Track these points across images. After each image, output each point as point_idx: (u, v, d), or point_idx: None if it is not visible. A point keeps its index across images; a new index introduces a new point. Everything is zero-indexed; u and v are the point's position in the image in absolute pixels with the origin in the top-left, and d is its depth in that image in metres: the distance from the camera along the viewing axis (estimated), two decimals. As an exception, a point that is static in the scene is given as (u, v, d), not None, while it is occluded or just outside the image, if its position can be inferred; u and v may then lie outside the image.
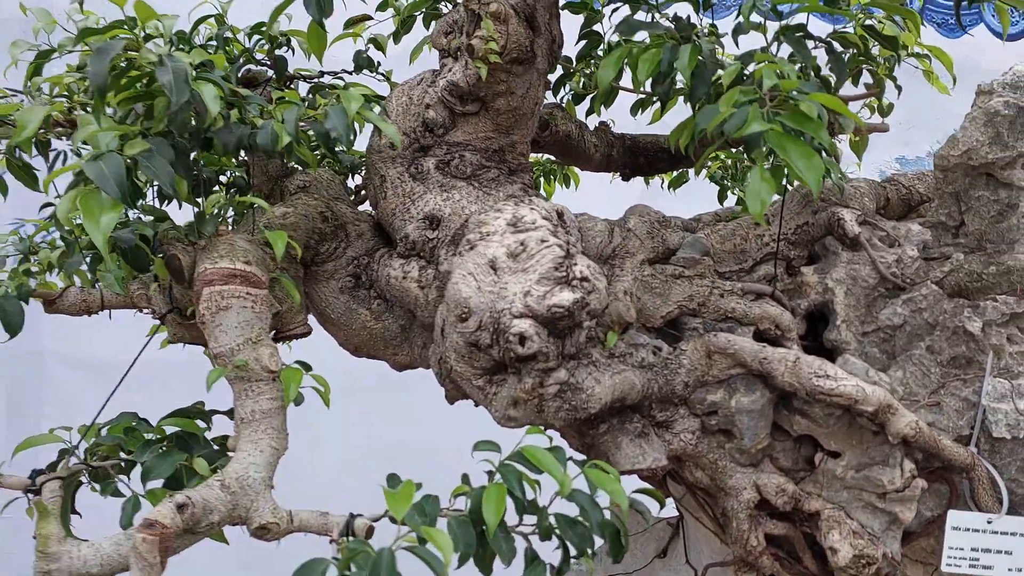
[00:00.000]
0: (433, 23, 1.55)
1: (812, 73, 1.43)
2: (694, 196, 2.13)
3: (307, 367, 1.13)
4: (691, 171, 2.05)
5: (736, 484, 1.40)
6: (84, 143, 1.07)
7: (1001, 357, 1.41)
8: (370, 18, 1.77)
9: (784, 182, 1.33)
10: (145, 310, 1.31)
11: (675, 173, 2.05)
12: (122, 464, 1.10)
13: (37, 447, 1.19)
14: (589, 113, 1.82)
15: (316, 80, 1.59)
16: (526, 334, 1.15)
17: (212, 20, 1.50)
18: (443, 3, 1.66)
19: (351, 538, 1.03)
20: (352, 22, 1.78)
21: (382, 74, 1.68)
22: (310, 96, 1.54)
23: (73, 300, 1.38)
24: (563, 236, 1.23)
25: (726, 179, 2.07)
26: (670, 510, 1.72)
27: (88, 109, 1.33)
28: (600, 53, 1.74)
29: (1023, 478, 1.36)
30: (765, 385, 1.38)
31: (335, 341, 1.56)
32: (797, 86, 1.08)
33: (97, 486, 1.11)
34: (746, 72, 1.26)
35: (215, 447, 1.18)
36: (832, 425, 1.36)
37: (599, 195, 2.09)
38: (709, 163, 2.06)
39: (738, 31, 1.35)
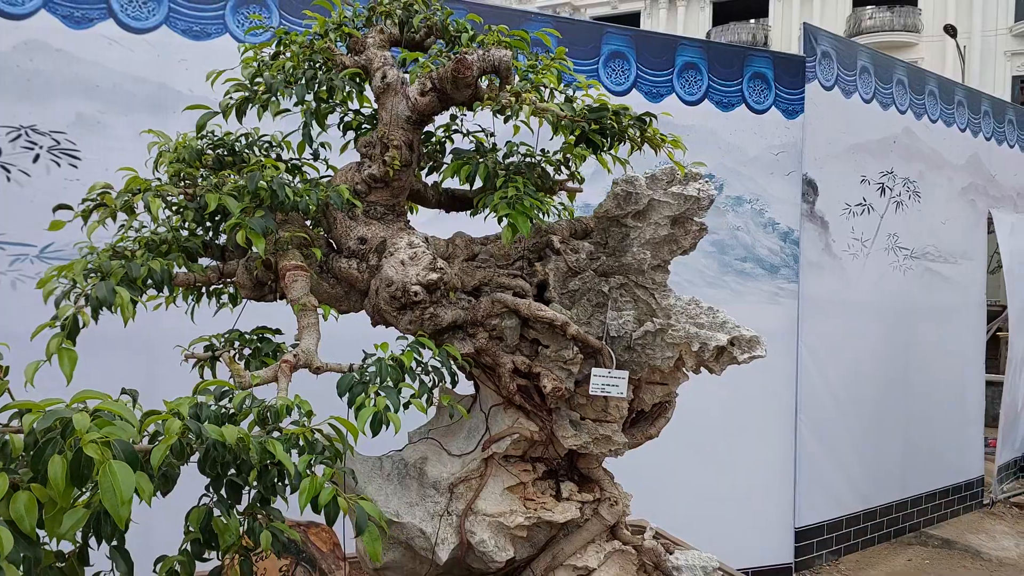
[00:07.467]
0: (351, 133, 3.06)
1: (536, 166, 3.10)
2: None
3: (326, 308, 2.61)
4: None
5: (504, 361, 3.06)
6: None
7: (616, 302, 3.18)
8: (288, 110, 3.23)
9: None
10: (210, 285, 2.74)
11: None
12: (248, 350, 2.55)
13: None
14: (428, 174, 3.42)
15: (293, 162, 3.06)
16: (418, 292, 2.73)
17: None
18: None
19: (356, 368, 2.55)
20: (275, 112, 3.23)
21: (326, 162, 3.17)
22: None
23: (183, 279, 2.75)
24: (431, 251, 2.83)
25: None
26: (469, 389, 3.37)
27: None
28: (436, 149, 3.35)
29: (624, 355, 3.14)
30: (518, 316, 3.05)
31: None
32: (523, 194, 2.73)
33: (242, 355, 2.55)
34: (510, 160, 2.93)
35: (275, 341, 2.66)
36: (545, 333, 3.06)
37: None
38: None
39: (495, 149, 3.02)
